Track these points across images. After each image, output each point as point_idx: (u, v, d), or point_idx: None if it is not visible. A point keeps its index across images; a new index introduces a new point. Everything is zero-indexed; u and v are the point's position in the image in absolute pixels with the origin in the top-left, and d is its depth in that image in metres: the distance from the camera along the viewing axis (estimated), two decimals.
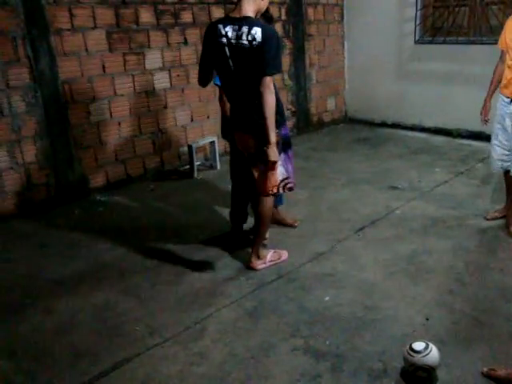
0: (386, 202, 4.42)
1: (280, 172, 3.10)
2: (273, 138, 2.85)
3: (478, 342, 2.58)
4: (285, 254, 3.49)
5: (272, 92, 2.82)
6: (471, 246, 3.59)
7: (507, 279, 3.14)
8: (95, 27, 4.65)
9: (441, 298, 2.97)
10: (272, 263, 3.40)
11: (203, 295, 3.09)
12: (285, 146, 3.26)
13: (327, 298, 3.00)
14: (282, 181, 3.15)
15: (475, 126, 6.28)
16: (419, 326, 2.72)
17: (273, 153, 2.88)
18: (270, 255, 3.42)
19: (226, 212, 4.26)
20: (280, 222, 4.01)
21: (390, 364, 2.44)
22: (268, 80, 2.80)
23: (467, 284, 3.11)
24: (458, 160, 5.55)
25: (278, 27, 6.30)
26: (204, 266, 3.45)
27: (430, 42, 6.57)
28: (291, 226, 4.01)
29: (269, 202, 3.22)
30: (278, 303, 2.97)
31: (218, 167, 5.53)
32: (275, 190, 3.07)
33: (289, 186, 3.23)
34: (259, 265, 3.35)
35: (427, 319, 2.77)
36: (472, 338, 2.62)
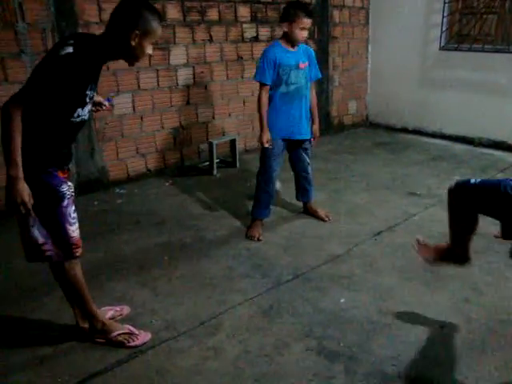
0: (404, 208, 4.40)
1: (36, 235, 2.34)
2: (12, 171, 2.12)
3: (493, 352, 2.57)
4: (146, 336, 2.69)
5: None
6: (488, 255, 3.56)
7: None
8: None
9: (456, 306, 2.96)
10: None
11: (219, 291, 3.11)
12: (50, 200, 2.33)
13: (342, 300, 3.01)
14: (37, 245, 2.36)
15: (497, 135, 6.27)
16: (434, 333, 2.71)
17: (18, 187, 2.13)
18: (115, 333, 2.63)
19: (243, 209, 4.29)
20: (313, 215, 4.16)
21: (403, 369, 2.43)
22: None
23: (483, 293, 3.09)
24: (479, 169, 5.51)
25: None
26: (220, 261, 3.47)
27: (456, 49, 6.51)
28: (323, 219, 4.10)
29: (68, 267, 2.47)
30: (294, 303, 2.98)
31: (238, 165, 5.56)
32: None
33: (47, 254, 2.38)
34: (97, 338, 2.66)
35: (441, 327, 2.76)
36: (487, 347, 2.60)
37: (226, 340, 2.66)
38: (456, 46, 6.51)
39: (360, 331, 2.73)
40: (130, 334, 2.63)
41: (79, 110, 2.31)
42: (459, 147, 6.39)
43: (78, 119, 2.34)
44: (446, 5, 6.47)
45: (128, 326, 2.68)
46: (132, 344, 2.60)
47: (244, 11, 5.63)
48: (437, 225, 4.04)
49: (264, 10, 5.81)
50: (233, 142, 5.57)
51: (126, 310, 2.91)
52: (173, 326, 2.79)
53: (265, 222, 3.97)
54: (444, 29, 6.57)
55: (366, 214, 4.27)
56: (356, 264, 3.44)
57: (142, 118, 5.04)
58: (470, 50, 6.37)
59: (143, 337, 2.65)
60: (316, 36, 6.55)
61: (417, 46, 6.90)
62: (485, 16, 6.23)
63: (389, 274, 3.31)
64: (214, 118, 5.65)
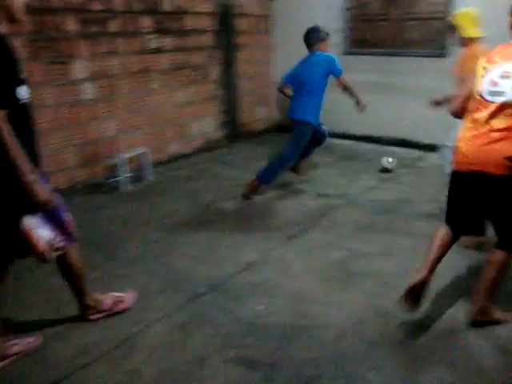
0: (315, 210, 4.50)
1: (44, 235, 2.45)
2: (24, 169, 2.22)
3: (407, 343, 2.67)
4: (130, 298, 3.06)
5: None
6: (399, 250, 3.72)
7: (435, 280, 3.27)
8: (19, 34, 4.42)
9: (371, 302, 3.05)
10: (109, 313, 2.95)
11: (134, 310, 3.00)
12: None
13: (260, 308, 3.01)
14: (49, 244, 2.49)
15: (400, 133, 6.59)
16: (351, 330, 2.78)
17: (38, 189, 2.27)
18: (107, 303, 2.96)
19: (154, 223, 4.21)
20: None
21: (323, 369, 2.47)
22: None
23: (395, 286, 3.20)
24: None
25: (209, 38, 6.33)
26: (135, 279, 3.37)
27: (357, 54, 6.80)
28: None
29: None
30: (211, 315, 2.95)
31: (150, 179, 5.44)
32: (47, 255, 2.48)
33: (59, 245, 2.56)
34: (92, 314, 2.92)
35: (358, 323, 2.83)
36: (401, 338, 2.70)
37: (143, 361, 2.57)
38: (357, 50, 6.80)
39: (279, 337, 2.74)
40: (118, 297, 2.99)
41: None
42: (366, 146, 6.66)
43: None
44: (345, 12, 6.76)
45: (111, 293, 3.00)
46: (123, 306, 2.98)
47: (146, 22, 5.53)
48: (348, 224, 4.17)
49: (166, 20, 5.75)
50: (143, 156, 5.46)
51: (37, 340, 2.76)
52: (87, 351, 2.66)
53: (179, 235, 3.90)
54: (345, 34, 6.84)
55: (279, 218, 4.33)
56: (271, 269, 3.46)
57: (45, 136, 4.79)
58: (369, 53, 6.68)
59: (130, 297, 3.03)
60: (220, 44, 6.56)
61: None
62: (380, 23, 6.58)
63: (304, 277, 3.36)
64: (121, 132, 5.49)
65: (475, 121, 2.61)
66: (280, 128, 7.78)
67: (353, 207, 4.57)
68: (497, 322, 2.80)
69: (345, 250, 3.73)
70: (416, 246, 3.73)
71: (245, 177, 5.44)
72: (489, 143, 2.53)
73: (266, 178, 4.73)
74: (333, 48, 6.95)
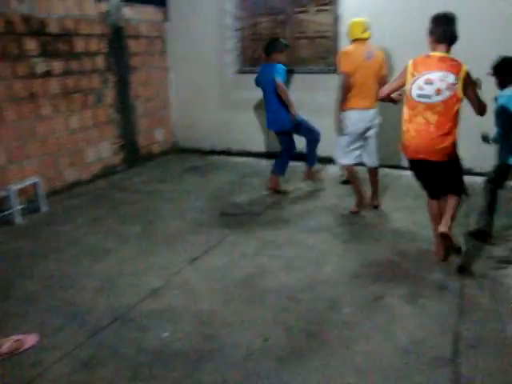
0: (218, 230, 4.51)
1: None
2: None
3: (312, 354, 2.73)
4: (31, 339, 2.91)
5: None
6: (300, 263, 3.82)
7: (333, 290, 3.40)
8: None
9: (277, 317, 3.09)
10: (6, 357, 2.78)
11: (32, 352, 2.82)
12: None
13: (166, 335, 2.95)
14: None
15: (298, 147, 6.80)
16: (258, 348, 2.79)
17: None
18: (6, 346, 2.81)
19: (54, 257, 4.01)
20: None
21: None
22: None
23: (300, 300, 3.29)
24: (285, 181, 5.91)
25: (100, 60, 6.18)
26: (32, 318, 3.18)
27: (250, 72, 6.94)
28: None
29: None
30: (115, 348, 2.84)
31: (45, 209, 5.17)
32: None
33: None
34: None
35: (266, 340, 2.86)
36: (307, 351, 2.76)
37: None
38: (250, 68, 6.96)
39: (187, 363, 2.69)
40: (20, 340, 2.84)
41: None
42: (265, 163, 6.78)
43: None
44: (237, 32, 6.91)
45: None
46: (26, 346, 2.84)
47: (31, 44, 5.29)
48: (251, 242, 4.23)
49: (54, 43, 5.54)
50: (36, 186, 5.18)
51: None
52: None
53: (78, 266, 3.75)
54: (237, 54, 6.98)
55: (182, 242, 4.28)
56: (176, 294, 3.41)
57: None
58: None
59: (31, 339, 2.88)
60: (114, 67, 6.43)
61: (214, 72, 7.24)
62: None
63: (209, 299, 3.35)
64: (10, 162, 5.17)
65: (411, 118, 3.52)
66: (178, 149, 7.77)
67: (256, 224, 4.64)
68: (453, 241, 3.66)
69: (249, 267, 3.77)
70: (318, 259, 3.87)
71: (145, 201, 5.37)
72: (427, 135, 3.45)
73: (280, 171, 5.51)
74: (227, 67, 7.10)
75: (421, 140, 3.48)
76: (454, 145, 3.49)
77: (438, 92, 3.37)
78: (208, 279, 3.62)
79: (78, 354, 2.80)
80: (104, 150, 6.39)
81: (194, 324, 3.06)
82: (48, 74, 5.50)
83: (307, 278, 3.59)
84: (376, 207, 4.94)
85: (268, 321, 3.07)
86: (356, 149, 4.77)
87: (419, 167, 3.68)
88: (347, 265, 3.78)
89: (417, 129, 3.48)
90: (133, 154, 6.89)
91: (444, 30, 3.45)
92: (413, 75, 3.47)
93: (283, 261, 3.86)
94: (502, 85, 3.94)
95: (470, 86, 3.42)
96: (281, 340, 2.88)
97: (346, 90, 4.58)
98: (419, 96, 3.43)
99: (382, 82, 4.45)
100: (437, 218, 3.74)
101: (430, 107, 3.40)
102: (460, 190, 3.66)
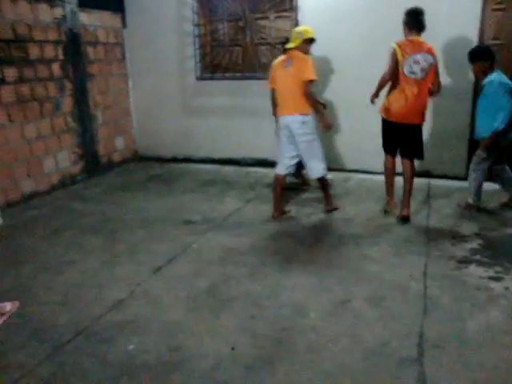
0: (181, 238, 4.46)
1: None
2: None
3: (280, 361, 2.72)
4: (10, 305, 3.28)
5: None
6: (266, 269, 3.81)
7: (299, 296, 3.40)
8: None
9: (243, 325, 3.07)
10: None
11: None
12: None
13: (132, 347, 2.89)
14: None
15: (258, 153, 6.84)
16: (226, 357, 2.77)
17: None
18: None
19: (8, 273, 3.88)
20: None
21: None
22: None
23: (266, 306, 3.28)
24: (248, 187, 5.91)
25: (56, 67, 6.04)
26: None
27: (211, 78, 6.94)
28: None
29: None
30: (79, 363, 2.76)
31: None
32: None
33: None
34: None
35: (233, 348, 2.84)
36: (275, 358, 2.75)
37: None
38: (210, 75, 6.94)
39: (154, 375, 2.64)
40: None
41: None
42: (228, 169, 6.79)
43: None
44: (196, 38, 6.87)
45: None
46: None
47: None
48: (215, 250, 4.20)
49: (7, 49, 5.38)
50: None
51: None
52: None
53: (37, 280, 3.64)
54: (198, 60, 6.95)
55: (145, 251, 4.21)
56: (140, 305, 3.35)
57: None
58: (223, 78, 6.85)
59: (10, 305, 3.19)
60: (71, 74, 6.30)
61: (175, 78, 7.18)
62: (231, 48, 6.80)
63: (175, 309, 3.30)
64: None
65: (403, 90, 4.41)
66: (139, 157, 7.68)
67: (218, 231, 4.61)
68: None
69: (213, 275, 3.73)
70: (282, 265, 3.87)
71: (106, 211, 5.26)
72: (413, 103, 4.42)
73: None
74: (187, 73, 7.05)
75: (410, 106, 4.43)
76: (426, 108, 4.54)
77: (423, 70, 4.35)
78: (173, 288, 3.57)
79: (39, 372, 2.71)
80: (63, 160, 6.24)
81: (160, 335, 3.01)
82: (1, 81, 5.34)
83: (271, 285, 3.59)
84: (330, 211, 5.01)
85: (235, 329, 3.05)
86: (288, 158, 4.76)
87: (396, 129, 4.59)
88: (311, 268, 3.80)
89: (407, 98, 4.41)
90: (93, 163, 6.75)
91: (418, 20, 4.38)
92: (403, 56, 4.36)
93: (247, 268, 3.84)
94: (481, 72, 4.60)
95: (437, 65, 4.45)
96: (248, 348, 2.86)
97: (271, 101, 5.05)
98: (410, 73, 4.36)
99: (307, 87, 4.46)
100: (390, 173, 4.84)
101: (416, 82, 4.38)
102: (420, 154, 4.66)
